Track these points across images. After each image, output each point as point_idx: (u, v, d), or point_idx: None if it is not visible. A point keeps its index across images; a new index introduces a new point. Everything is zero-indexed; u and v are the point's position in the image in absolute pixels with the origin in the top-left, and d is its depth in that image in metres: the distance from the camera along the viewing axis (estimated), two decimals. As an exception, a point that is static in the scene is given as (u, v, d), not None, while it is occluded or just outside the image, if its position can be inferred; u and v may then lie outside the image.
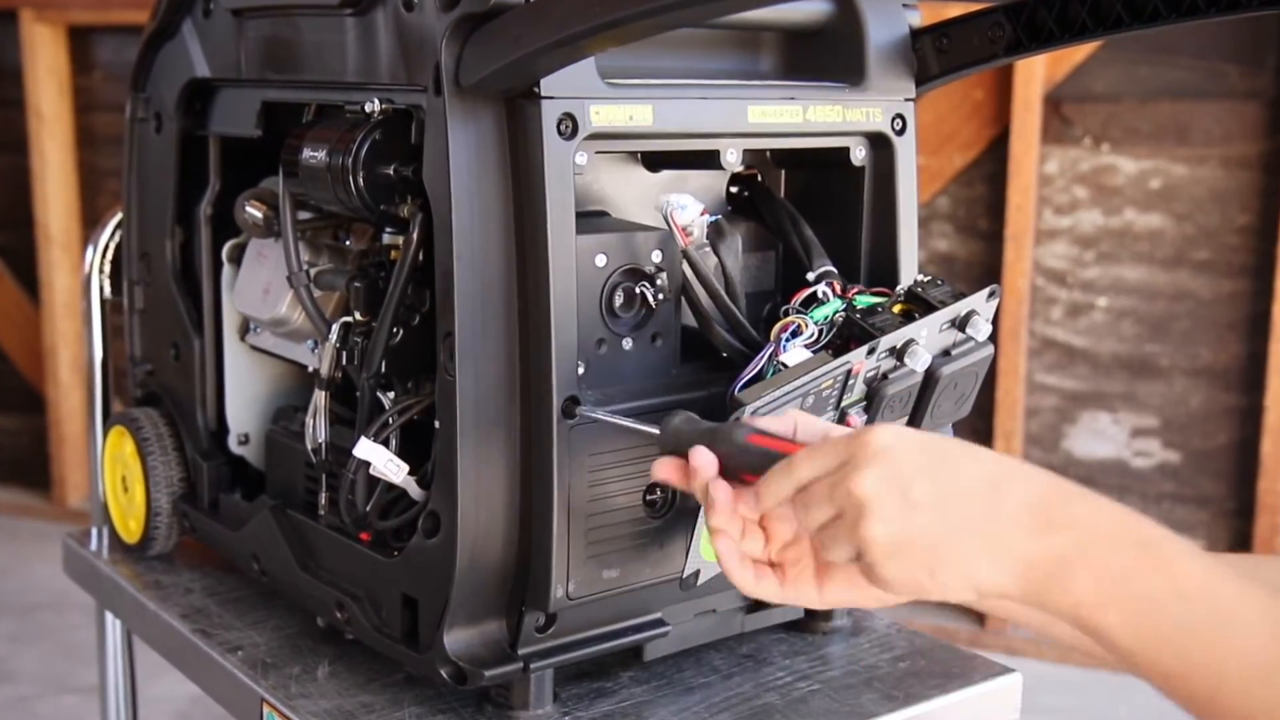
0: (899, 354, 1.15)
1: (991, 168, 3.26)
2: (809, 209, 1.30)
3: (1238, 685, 0.77)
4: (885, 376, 1.15)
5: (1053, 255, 3.25)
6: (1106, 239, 3.21)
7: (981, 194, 3.29)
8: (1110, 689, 3.08)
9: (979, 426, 3.27)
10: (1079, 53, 3.13)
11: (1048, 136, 3.21)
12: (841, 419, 1.14)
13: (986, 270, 3.25)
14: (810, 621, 1.40)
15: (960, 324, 1.19)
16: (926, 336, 1.16)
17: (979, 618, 3.33)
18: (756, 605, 1.33)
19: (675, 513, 1.19)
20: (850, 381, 1.12)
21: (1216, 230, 3.12)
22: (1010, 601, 0.84)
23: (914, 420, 1.20)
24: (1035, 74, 3.14)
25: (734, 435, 0.96)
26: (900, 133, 1.28)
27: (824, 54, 1.27)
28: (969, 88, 3.23)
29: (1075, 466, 3.29)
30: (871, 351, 1.12)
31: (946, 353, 1.19)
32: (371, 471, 1.21)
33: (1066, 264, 3.24)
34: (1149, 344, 3.20)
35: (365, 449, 1.20)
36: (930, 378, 1.17)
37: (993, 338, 1.20)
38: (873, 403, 1.15)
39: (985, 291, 1.19)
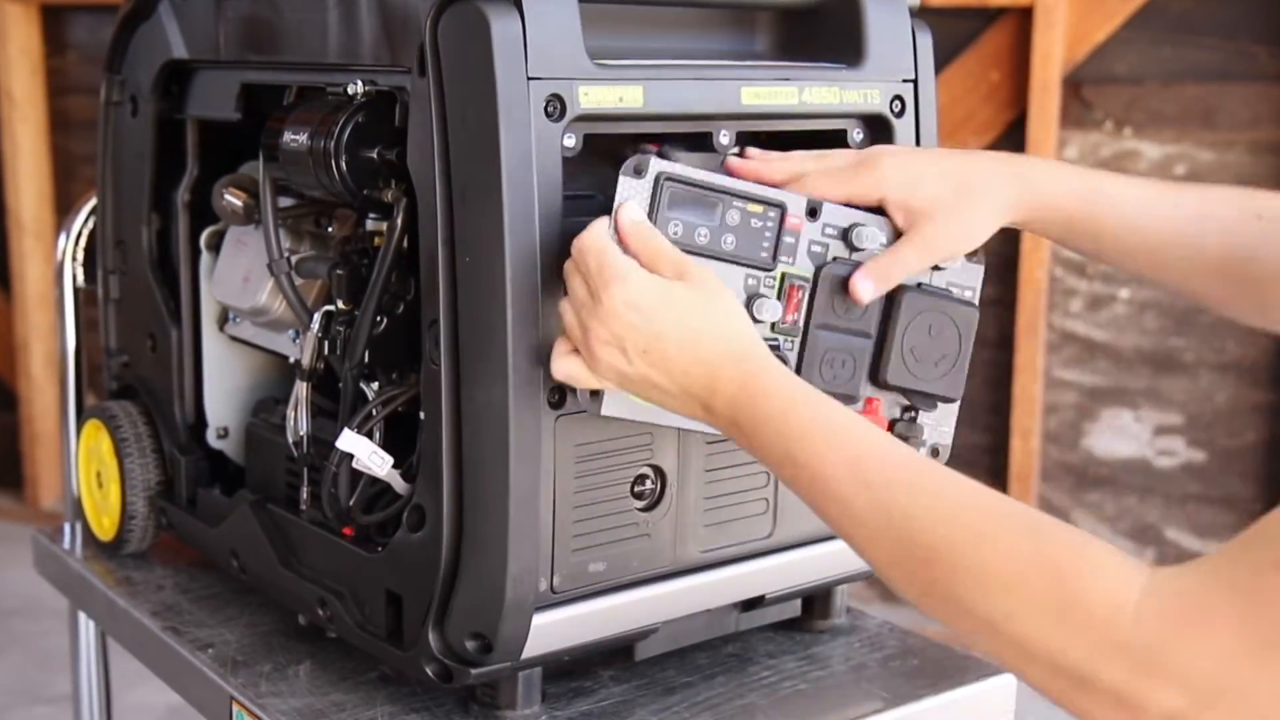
0: (847, 239, 1.15)
1: (1008, 152, 3.27)
2: (806, 194, 1.32)
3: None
4: (835, 260, 1.15)
5: (1072, 245, 3.26)
6: (1128, 228, 3.22)
7: (997, 180, 3.30)
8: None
9: (994, 424, 3.29)
10: (1099, 33, 3.15)
11: (1067, 120, 3.23)
12: (782, 283, 1.14)
13: (1003, 260, 3.26)
14: (803, 620, 1.42)
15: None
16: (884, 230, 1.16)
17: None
18: (751, 604, 1.35)
19: (665, 505, 1.22)
20: (786, 238, 1.13)
21: (1243, 218, 3.13)
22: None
23: (880, 355, 1.16)
24: (1054, 55, 3.15)
25: None
26: (900, 115, 1.31)
27: (821, 33, 1.29)
28: (985, 69, 3.25)
29: (1096, 466, 3.30)
30: (813, 213, 1.13)
31: (918, 285, 1.17)
32: (355, 465, 1.23)
33: (1086, 254, 3.26)
34: (1173, 337, 3.22)
35: (348, 441, 1.23)
36: (893, 299, 1.16)
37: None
38: (817, 284, 1.14)
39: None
